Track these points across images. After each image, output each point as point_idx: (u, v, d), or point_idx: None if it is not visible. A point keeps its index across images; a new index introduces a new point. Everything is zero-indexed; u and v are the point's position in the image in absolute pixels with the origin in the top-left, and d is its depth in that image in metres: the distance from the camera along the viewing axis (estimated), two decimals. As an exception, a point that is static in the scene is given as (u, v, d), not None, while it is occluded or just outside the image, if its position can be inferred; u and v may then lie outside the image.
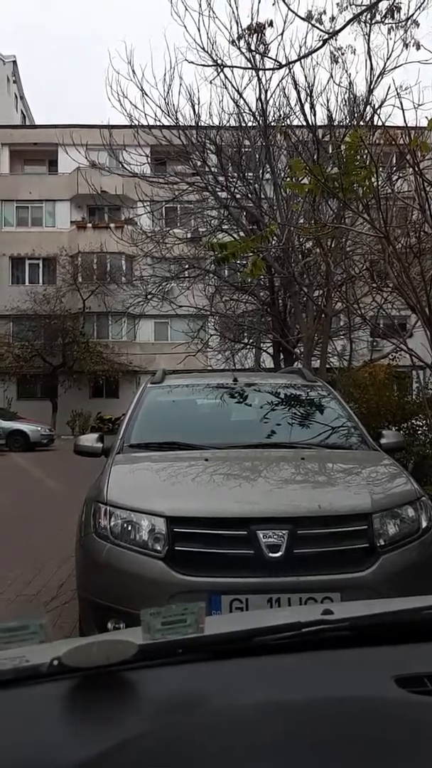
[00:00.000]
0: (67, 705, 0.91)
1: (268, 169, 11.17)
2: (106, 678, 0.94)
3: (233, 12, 9.09)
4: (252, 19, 8.64)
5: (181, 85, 20.21)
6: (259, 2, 9.55)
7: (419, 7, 6.74)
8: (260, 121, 10.76)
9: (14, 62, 36.68)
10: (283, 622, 1.15)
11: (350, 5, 6.79)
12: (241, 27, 8.74)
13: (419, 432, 8.43)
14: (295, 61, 7.90)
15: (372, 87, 9.75)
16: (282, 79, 10.38)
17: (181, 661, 1.02)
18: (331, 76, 13.61)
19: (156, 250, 13.72)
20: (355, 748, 0.81)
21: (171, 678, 0.99)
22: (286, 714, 0.89)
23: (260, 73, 9.78)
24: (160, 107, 10.79)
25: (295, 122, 10.46)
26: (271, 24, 8.35)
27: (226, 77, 10.16)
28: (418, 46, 7.49)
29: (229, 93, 10.84)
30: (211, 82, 15.56)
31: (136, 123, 11.06)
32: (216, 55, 9.18)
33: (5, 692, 0.95)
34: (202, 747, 0.82)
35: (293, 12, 6.05)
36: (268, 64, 8.89)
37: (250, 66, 9.12)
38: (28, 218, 32.72)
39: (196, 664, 1.03)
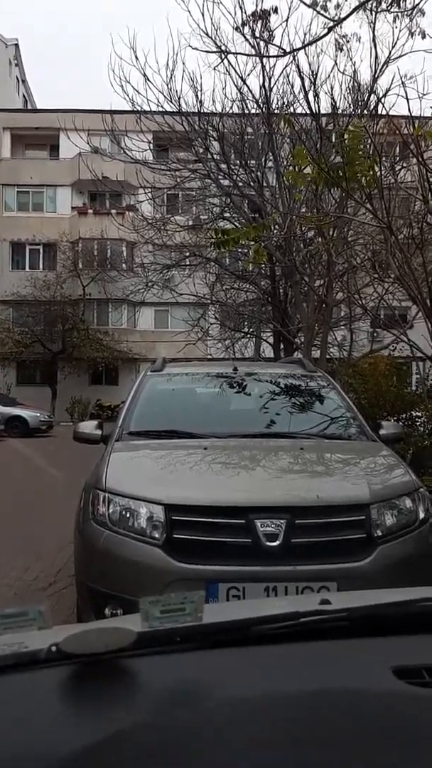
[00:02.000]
0: (65, 691, 0.92)
1: (271, 157, 11.10)
2: (105, 665, 0.94)
3: (238, -3, 9.00)
4: (257, 6, 8.59)
5: (184, 71, 20.00)
6: (265, -12, 9.41)
7: (426, -5, 6.67)
8: (263, 109, 10.69)
9: (16, 45, 36.33)
10: (281, 612, 1.15)
11: (356, -8, 6.70)
12: (245, 13, 8.68)
13: (418, 423, 8.45)
14: (299, 49, 7.87)
15: (376, 75, 9.68)
16: (286, 66, 10.30)
17: (179, 650, 1.02)
18: (336, 64, 13.56)
19: (157, 237, 13.65)
20: (353, 739, 0.81)
21: (169, 666, 0.99)
22: (284, 704, 0.89)
23: (264, 60, 9.71)
24: (162, 93, 10.76)
25: (299, 110, 10.41)
26: (275, 10, 8.29)
27: (229, 63, 10.09)
28: (423, 35, 7.45)
29: (232, 80, 10.85)
30: (214, 69, 15.45)
31: (139, 108, 10.99)
32: (220, 41, 9.13)
33: (3, 678, 0.95)
34: (199, 736, 0.82)
35: (299, -2, 5.99)
36: (273, 51, 8.84)
37: (254, 53, 9.05)
38: (29, 203, 32.51)
39: (193, 653, 1.03)
